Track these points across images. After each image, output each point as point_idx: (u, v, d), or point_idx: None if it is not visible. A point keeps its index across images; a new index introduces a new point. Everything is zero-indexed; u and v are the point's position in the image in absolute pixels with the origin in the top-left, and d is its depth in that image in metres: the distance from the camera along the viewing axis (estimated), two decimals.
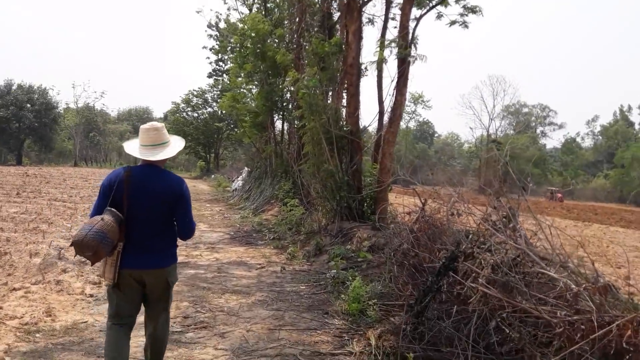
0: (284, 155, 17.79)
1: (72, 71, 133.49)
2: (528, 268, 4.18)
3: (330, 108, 9.53)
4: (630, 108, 77.67)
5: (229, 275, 7.20)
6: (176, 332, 4.64)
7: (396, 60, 9.39)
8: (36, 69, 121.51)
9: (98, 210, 3.23)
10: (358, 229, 8.88)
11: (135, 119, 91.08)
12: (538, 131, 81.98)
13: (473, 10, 9.91)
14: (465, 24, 10.14)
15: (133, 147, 3.40)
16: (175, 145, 3.47)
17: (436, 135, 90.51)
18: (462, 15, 10.01)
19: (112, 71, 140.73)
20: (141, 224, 3.22)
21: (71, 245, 3.02)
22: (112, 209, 3.17)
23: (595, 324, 2.78)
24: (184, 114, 54.35)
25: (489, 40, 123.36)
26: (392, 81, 9.29)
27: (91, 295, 5.74)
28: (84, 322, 4.83)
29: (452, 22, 10.17)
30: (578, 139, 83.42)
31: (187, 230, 3.41)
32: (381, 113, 10.56)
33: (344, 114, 10.07)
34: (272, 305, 5.71)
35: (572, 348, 2.82)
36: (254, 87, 18.89)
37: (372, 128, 11.76)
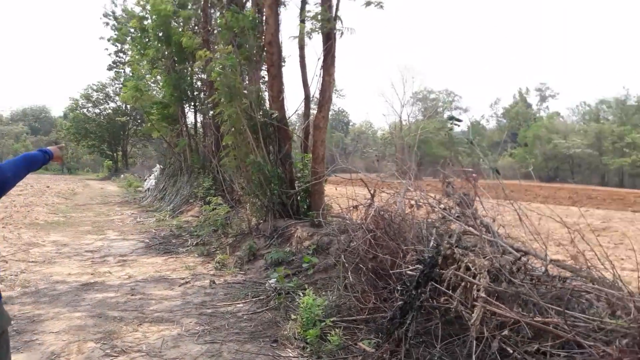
0: (199, 149, 16.35)
1: None
2: (532, 272, 3.39)
3: (251, 91, 8.36)
4: (528, 90, 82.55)
5: (147, 297, 5.91)
6: None
7: (320, 36, 8.42)
8: None
9: None
10: (295, 227, 7.87)
11: (32, 119, 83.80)
12: (445, 116, 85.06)
13: None
14: (380, 5, 9.27)
15: None
16: None
17: (351, 124, 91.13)
18: None
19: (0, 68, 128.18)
20: None
21: None
22: None
23: None
24: (84, 110, 50.15)
25: (396, 28, 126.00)
26: (319, 59, 8.29)
27: None
28: None
29: (368, 3, 9.26)
30: (483, 122, 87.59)
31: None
32: (307, 97, 9.54)
33: (266, 99, 8.95)
34: (204, 337, 4.55)
35: None
36: (159, 75, 17.15)
37: (296, 115, 10.73)
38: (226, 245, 8.50)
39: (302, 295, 5.08)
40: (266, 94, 8.99)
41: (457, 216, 5.13)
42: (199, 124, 17.68)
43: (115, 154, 53.91)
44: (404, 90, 74.84)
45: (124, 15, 44.31)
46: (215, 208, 11.26)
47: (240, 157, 8.53)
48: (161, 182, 19.99)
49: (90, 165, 72.35)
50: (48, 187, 27.48)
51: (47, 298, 5.77)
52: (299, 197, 8.76)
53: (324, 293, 5.54)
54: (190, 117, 17.80)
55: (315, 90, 8.62)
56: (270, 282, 6.36)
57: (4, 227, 10.82)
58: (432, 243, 4.29)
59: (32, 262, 8.00)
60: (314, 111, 9.46)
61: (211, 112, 15.10)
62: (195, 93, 16.77)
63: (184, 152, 16.71)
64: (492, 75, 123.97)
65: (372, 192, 5.66)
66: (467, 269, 3.50)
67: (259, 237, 8.27)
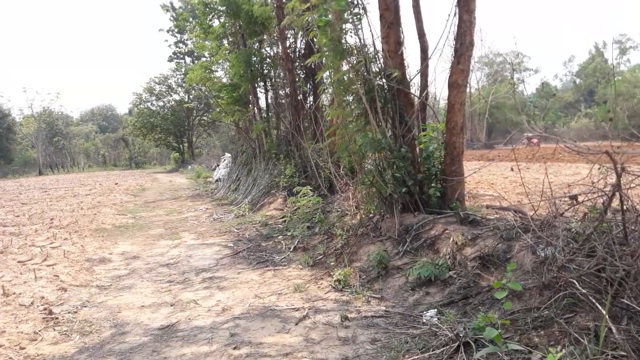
0: (276, 132, 14.48)
1: (20, 76, 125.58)
2: None
3: (364, 45, 6.19)
4: (604, 44, 75.87)
5: (256, 351, 3.91)
6: None
7: None
8: None
9: None
10: (435, 224, 5.69)
11: (100, 118, 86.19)
12: (515, 78, 79.94)
13: None
14: None
15: None
16: None
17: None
18: None
19: (64, 71, 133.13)
20: None
21: None
22: None
23: None
24: (148, 104, 50.03)
25: None
26: None
27: None
28: None
29: None
30: (556, 81, 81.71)
31: None
32: (424, 50, 7.29)
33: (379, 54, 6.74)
34: None
35: None
36: (227, 52, 15.31)
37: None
38: (339, 252, 6.45)
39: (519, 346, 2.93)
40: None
41: None
42: (271, 105, 15.80)
43: (181, 146, 53.76)
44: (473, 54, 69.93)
45: (182, 7, 43.55)
46: (302, 198, 9.35)
47: (347, 135, 6.42)
48: (234, 171, 18.34)
49: (157, 159, 73.37)
50: (116, 184, 26.76)
51: (113, 359, 3.93)
52: (426, 184, 6.57)
53: (539, 341, 3.39)
54: (262, 99, 15.97)
55: (446, 36, 6.32)
56: (427, 315, 4.25)
57: (66, 238, 9.31)
58: None
59: (97, 287, 6.30)
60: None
61: (287, 90, 13.19)
62: (266, 71, 14.86)
63: (259, 137, 14.87)
64: (564, 31, 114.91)
65: (619, 170, 3.34)
66: None
67: (382, 241, 6.16)
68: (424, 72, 7.32)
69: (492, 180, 14.06)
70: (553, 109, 71.15)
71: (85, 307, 5.51)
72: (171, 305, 5.35)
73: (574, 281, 3.36)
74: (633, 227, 3.50)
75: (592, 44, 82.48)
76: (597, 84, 70.03)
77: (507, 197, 9.87)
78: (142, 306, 5.42)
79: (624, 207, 3.46)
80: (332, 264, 6.21)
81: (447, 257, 4.94)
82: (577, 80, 78.55)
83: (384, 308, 4.62)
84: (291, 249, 7.45)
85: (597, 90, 67.08)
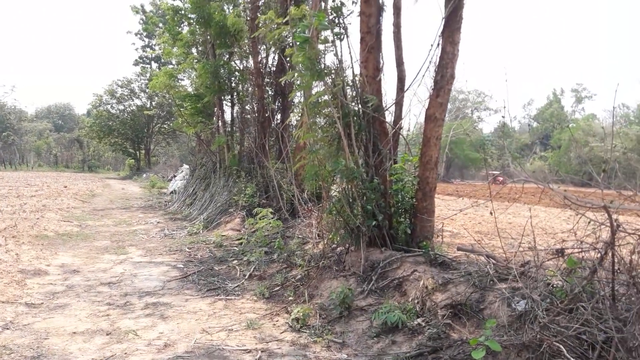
0: (239, 148, 13.97)
1: None
2: None
3: (341, 69, 5.86)
4: (562, 91, 79.52)
5: None
6: None
7: None
8: None
9: None
10: (403, 263, 5.34)
11: (56, 116, 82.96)
12: (475, 116, 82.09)
13: None
14: None
15: None
16: None
17: None
18: None
19: (23, 64, 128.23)
20: None
21: None
22: None
23: None
24: (108, 106, 48.29)
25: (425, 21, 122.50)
26: (442, 20, 5.75)
27: None
28: None
29: None
30: (515, 123, 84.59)
31: None
32: (401, 79, 7.04)
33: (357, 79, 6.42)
34: None
35: None
36: (195, 61, 14.75)
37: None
38: (298, 285, 5.99)
39: None
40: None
41: None
42: (236, 119, 15.28)
43: (137, 153, 52.08)
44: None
45: (153, 11, 42.64)
46: (261, 220, 8.87)
47: (318, 160, 6.03)
48: (191, 184, 17.61)
49: (112, 163, 70.99)
50: (65, 187, 25.43)
51: None
52: (396, 218, 6.24)
53: None
54: (227, 113, 15.43)
55: (427, 67, 6.07)
56: None
57: (0, 244, 8.48)
58: None
59: (26, 304, 5.61)
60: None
61: (255, 105, 12.78)
62: (234, 84, 14.39)
63: (220, 151, 14.30)
64: (526, 75, 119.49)
65: (614, 226, 3.06)
66: None
67: (346, 276, 5.75)
68: (399, 102, 7.04)
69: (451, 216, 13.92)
70: (512, 150, 73.37)
71: (8, 329, 4.84)
72: (107, 335, 4.74)
73: (562, 347, 3.05)
74: (624, 291, 3.24)
75: (550, 89, 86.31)
76: (553, 128, 72.88)
77: (467, 235, 9.72)
78: (74, 333, 4.79)
79: (615, 267, 3.19)
80: (291, 298, 5.75)
81: (416, 301, 4.57)
82: (534, 124, 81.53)
83: (345, 356, 4.19)
84: (246, 277, 6.94)
85: (552, 135, 69.78)
